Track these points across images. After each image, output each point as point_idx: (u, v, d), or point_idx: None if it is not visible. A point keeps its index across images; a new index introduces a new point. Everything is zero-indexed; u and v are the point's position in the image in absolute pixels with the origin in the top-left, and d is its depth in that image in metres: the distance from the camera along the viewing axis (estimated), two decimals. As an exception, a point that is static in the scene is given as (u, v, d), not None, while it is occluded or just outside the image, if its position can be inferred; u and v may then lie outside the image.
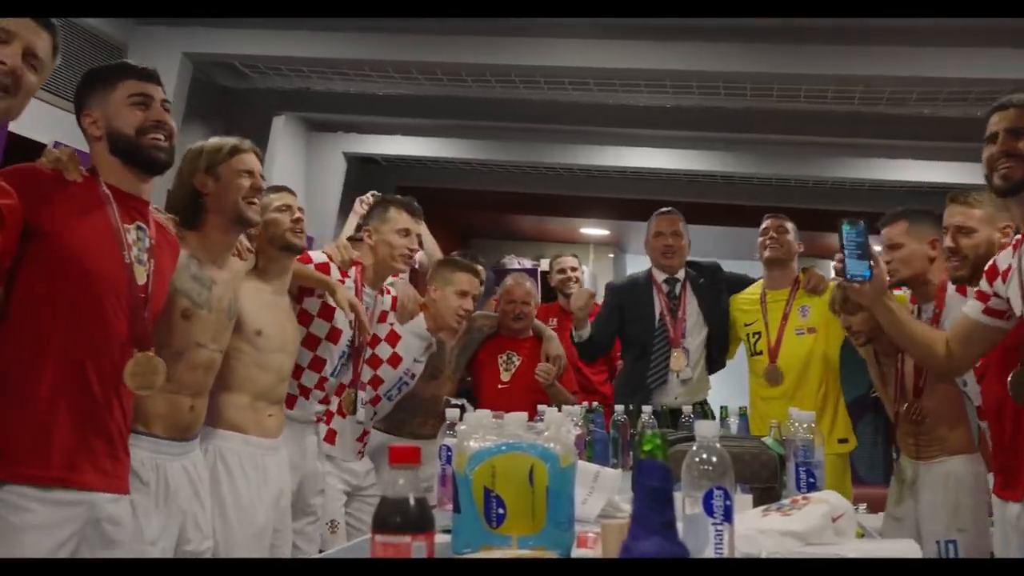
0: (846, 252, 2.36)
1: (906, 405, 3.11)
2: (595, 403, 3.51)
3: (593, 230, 9.40)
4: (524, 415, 1.86)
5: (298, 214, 2.86)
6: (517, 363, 4.11)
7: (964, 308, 2.45)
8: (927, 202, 3.39)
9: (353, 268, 3.20)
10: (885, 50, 4.54)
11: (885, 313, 2.45)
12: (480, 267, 4.05)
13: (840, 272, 2.39)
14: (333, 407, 3.19)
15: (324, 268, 3.09)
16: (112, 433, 2.04)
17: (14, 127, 3.64)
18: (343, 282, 3.10)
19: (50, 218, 1.97)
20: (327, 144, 6.69)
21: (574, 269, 4.95)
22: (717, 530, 1.26)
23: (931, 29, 4.37)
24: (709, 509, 1.26)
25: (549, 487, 1.67)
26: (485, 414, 1.91)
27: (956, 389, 2.95)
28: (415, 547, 0.91)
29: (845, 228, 2.38)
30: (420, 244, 4.86)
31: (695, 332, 4.01)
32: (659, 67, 4.82)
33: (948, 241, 2.72)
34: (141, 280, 2.10)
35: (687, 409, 3.43)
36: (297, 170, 6.47)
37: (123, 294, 2.05)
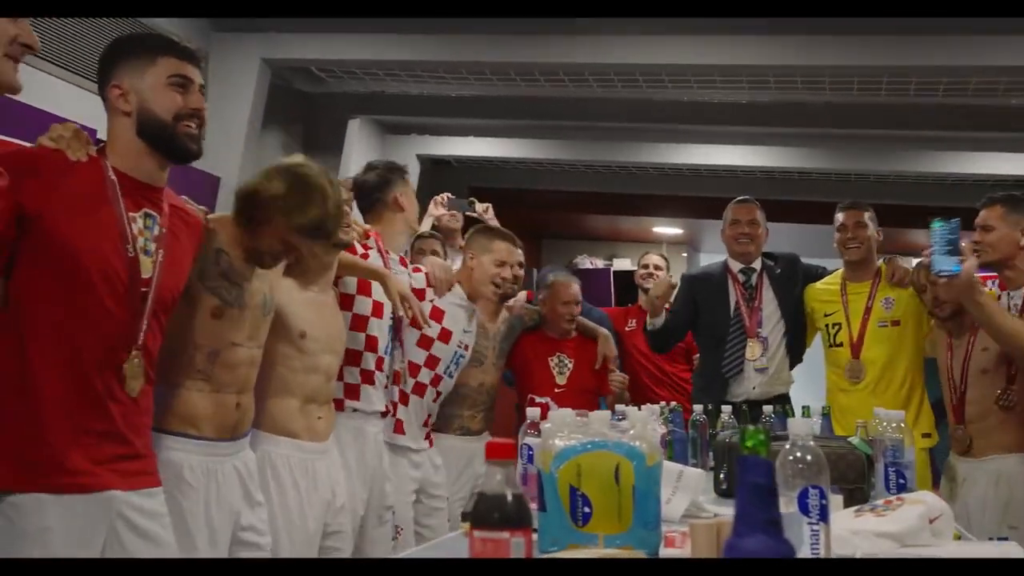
0: (935, 248, 2.49)
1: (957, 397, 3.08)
2: (673, 403, 3.47)
3: (666, 229, 9.32)
4: (608, 413, 1.85)
5: (344, 206, 2.63)
6: (570, 366, 4.04)
7: None
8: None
9: (371, 238, 3.08)
10: (970, 39, 4.41)
11: (976, 308, 2.55)
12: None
13: (928, 267, 2.54)
14: (395, 395, 3.14)
15: (420, 295, 3.07)
16: (125, 433, 1.92)
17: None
18: (367, 255, 3.00)
19: (48, 205, 1.83)
20: (401, 146, 6.76)
21: (658, 267, 4.91)
22: (813, 530, 1.23)
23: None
24: (804, 508, 1.24)
25: (635, 486, 1.65)
26: (569, 412, 1.89)
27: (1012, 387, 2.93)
28: (514, 543, 0.91)
29: (936, 224, 2.51)
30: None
31: (772, 323, 3.93)
32: (734, 62, 4.76)
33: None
34: (146, 273, 1.96)
35: (768, 409, 3.37)
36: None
37: (123, 288, 1.91)
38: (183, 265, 2.10)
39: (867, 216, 3.76)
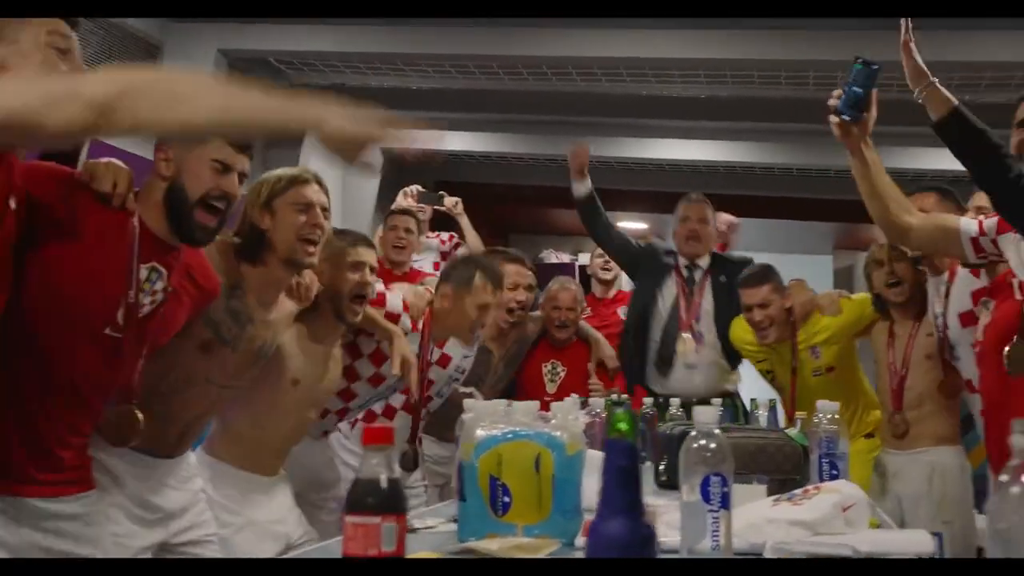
0: (847, 88, 2.33)
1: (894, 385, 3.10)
2: (623, 395, 3.48)
3: (631, 224, 9.33)
4: (536, 403, 1.85)
5: (368, 277, 2.62)
6: (562, 374, 3.96)
7: (961, 219, 2.53)
8: (970, 190, 3.32)
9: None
10: (920, 35, 4.42)
11: (860, 160, 2.46)
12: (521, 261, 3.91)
13: (834, 107, 2.36)
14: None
15: (394, 319, 2.90)
16: (61, 453, 1.87)
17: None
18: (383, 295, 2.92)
19: (61, 228, 1.80)
20: (364, 141, 6.72)
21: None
22: (713, 517, 1.23)
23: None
24: (706, 496, 1.24)
25: (555, 475, 1.66)
26: (496, 402, 1.89)
27: (952, 376, 2.96)
28: (384, 528, 0.90)
29: (857, 66, 2.32)
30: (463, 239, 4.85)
31: (708, 323, 3.87)
32: (692, 56, 4.78)
33: None
34: (134, 323, 1.90)
35: (716, 402, 3.37)
36: (333, 169, 6.48)
37: (105, 335, 1.87)
38: (174, 326, 2.07)
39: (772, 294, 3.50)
